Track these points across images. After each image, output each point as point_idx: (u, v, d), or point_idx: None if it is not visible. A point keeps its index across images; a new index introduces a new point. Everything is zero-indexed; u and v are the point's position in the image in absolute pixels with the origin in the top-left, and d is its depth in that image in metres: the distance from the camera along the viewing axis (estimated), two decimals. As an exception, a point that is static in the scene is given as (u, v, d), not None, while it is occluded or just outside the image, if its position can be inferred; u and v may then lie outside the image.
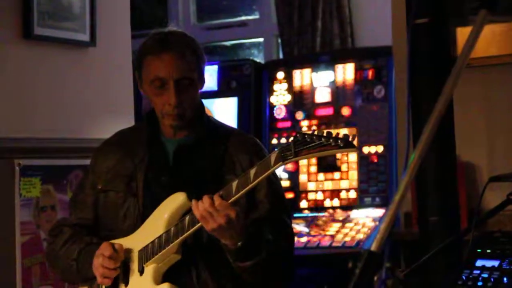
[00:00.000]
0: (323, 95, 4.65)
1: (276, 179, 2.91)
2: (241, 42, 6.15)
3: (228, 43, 6.21)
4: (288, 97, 4.74)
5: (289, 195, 4.49)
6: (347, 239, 4.11)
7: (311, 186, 4.56)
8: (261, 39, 5.98)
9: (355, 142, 2.41)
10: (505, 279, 2.59)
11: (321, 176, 4.55)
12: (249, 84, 4.88)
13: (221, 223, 2.55)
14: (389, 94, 4.43)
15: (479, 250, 2.71)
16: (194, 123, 2.86)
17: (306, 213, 4.51)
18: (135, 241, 2.80)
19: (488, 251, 2.72)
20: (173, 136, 2.87)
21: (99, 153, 3.00)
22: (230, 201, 2.57)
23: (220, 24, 6.13)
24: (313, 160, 4.54)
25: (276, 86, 4.78)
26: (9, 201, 3.91)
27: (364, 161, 4.45)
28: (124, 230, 2.85)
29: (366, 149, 4.44)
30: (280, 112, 4.75)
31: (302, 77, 4.73)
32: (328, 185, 4.52)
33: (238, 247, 2.62)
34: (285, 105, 4.74)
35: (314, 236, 4.24)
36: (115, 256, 2.76)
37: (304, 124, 4.67)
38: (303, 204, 4.56)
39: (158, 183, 2.84)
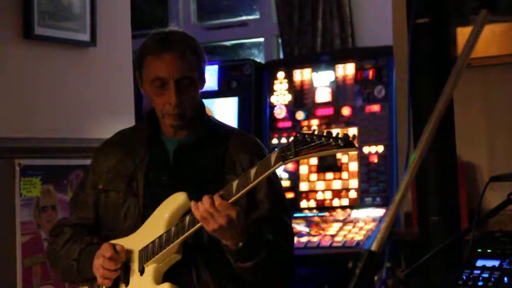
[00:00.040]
0: (323, 95, 4.65)
1: (276, 179, 2.90)
2: (241, 42, 6.15)
3: (228, 43, 6.21)
4: (288, 97, 4.74)
5: (289, 195, 4.49)
6: (348, 239, 4.11)
7: (311, 186, 4.56)
8: (261, 39, 5.98)
9: (355, 142, 2.41)
10: (505, 279, 2.59)
11: (321, 176, 4.54)
12: (249, 84, 4.88)
13: (222, 223, 2.55)
14: (390, 94, 4.43)
15: (479, 250, 2.71)
16: (195, 123, 2.86)
17: (306, 213, 4.51)
18: (136, 241, 2.80)
19: (489, 251, 2.72)
20: (173, 135, 2.87)
21: (99, 153, 3.00)
22: (230, 201, 2.57)
23: (220, 24, 6.13)
24: (314, 160, 4.54)
25: (276, 86, 4.78)
26: (10, 201, 3.91)
27: (364, 161, 4.45)
28: (125, 230, 2.85)
29: (366, 149, 4.44)
30: (280, 112, 4.75)
31: (303, 77, 4.73)
32: (329, 185, 4.52)
33: (239, 248, 2.62)
34: (286, 105, 4.74)
35: (314, 236, 4.24)
36: (115, 257, 2.76)
37: (305, 124, 4.67)
38: (303, 204, 4.56)
39: (158, 183, 2.84)
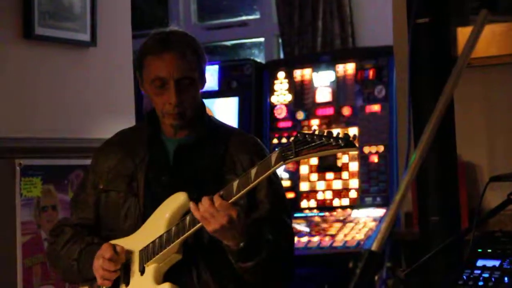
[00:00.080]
0: (323, 95, 4.65)
1: (276, 179, 2.90)
2: (241, 42, 6.15)
3: (228, 43, 6.21)
4: (288, 97, 4.74)
5: (290, 195, 4.49)
6: (348, 239, 4.11)
7: (312, 186, 4.56)
8: (261, 39, 5.98)
9: (356, 142, 2.41)
10: (506, 279, 2.59)
11: (321, 176, 4.54)
12: (249, 84, 4.87)
13: (222, 223, 2.55)
14: (390, 94, 4.43)
15: (480, 250, 2.71)
16: (195, 123, 2.86)
17: (307, 213, 4.51)
18: (136, 241, 2.80)
19: (489, 251, 2.72)
20: (173, 135, 2.87)
21: (100, 153, 3.01)
22: (231, 201, 2.57)
23: (220, 24, 6.13)
24: (314, 160, 4.54)
25: (276, 86, 4.78)
26: (10, 201, 3.91)
27: (364, 161, 4.45)
28: (125, 230, 2.85)
29: (366, 149, 4.44)
30: (280, 112, 4.75)
31: (303, 77, 4.73)
32: (329, 185, 4.51)
33: (240, 248, 2.62)
34: (286, 105, 4.74)
35: (314, 236, 4.24)
36: (115, 258, 2.76)
37: (305, 124, 4.67)
38: (304, 204, 4.56)
39: (158, 183, 2.84)
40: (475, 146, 3.97)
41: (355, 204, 4.43)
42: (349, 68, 4.59)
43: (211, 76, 4.82)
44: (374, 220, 4.26)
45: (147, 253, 2.76)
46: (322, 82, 4.66)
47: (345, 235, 4.15)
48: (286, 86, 4.76)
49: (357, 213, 4.37)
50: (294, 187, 4.59)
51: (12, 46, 4.02)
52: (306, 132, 2.46)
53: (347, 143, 2.38)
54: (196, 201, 2.62)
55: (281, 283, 2.87)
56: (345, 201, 4.46)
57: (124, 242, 2.82)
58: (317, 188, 4.55)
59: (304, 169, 4.59)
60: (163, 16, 6.27)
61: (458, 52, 3.46)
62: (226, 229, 2.57)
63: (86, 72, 4.34)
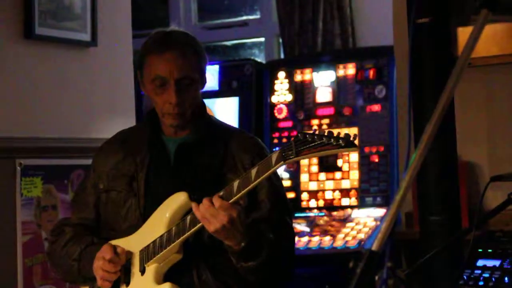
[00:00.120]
0: (324, 95, 4.65)
1: (277, 179, 2.90)
2: (242, 42, 6.15)
3: (229, 43, 6.21)
4: (289, 97, 4.74)
5: (290, 195, 4.48)
6: (348, 238, 4.11)
7: (312, 185, 4.56)
8: (262, 39, 5.97)
9: (356, 142, 2.41)
10: (506, 278, 2.59)
11: (322, 175, 4.54)
12: (250, 84, 4.87)
13: (223, 223, 2.55)
14: (390, 94, 4.43)
15: (480, 250, 2.72)
16: (195, 123, 2.86)
17: (307, 212, 4.51)
18: (136, 241, 2.80)
19: (489, 250, 2.72)
20: (174, 135, 2.87)
21: (100, 153, 3.01)
22: (231, 201, 2.57)
23: (221, 24, 6.12)
24: (314, 160, 4.54)
25: (277, 86, 4.78)
26: (11, 200, 3.92)
27: (365, 160, 4.44)
28: (125, 230, 2.85)
29: (367, 149, 4.44)
30: (281, 112, 4.74)
31: (303, 76, 4.73)
32: (329, 185, 4.51)
33: (242, 247, 2.62)
34: (286, 105, 4.74)
35: (315, 235, 4.24)
36: (115, 260, 2.76)
37: (305, 124, 4.66)
38: (304, 203, 4.56)
39: (159, 183, 2.84)
40: (476, 146, 3.97)
41: (356, 204, 4.43)
42: (350, 68, 4.59)
43: (212, 76, 4.82)
44: (375, 220, 4.26)
45: (148, 253, 2.76)
46: (322, 82, 4.66)
47: (346, 235, 4.15)
48: (287, 86, 4.76)
49: (357, 213, 4.36)
50: (295, 187, 4.59)
51: (12, 45, 4.02)
52: (306, 132, 2.46)
53: (347, 143, 2.38)
54: (196, 201, 2.62)
55: (280, 282, 2.86)
56: (346, 201, 4.46)
57: (125, 242, 2.82)
58: (318, 188, 4.55)
59: (304, 169, 4.59)
60: (163, 16, 6.27)
61: (458, 52, 3.46)
62: (227, 229, 2.57)
63: (86, 72, 4.34)
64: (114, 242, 2.83)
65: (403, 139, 4.18)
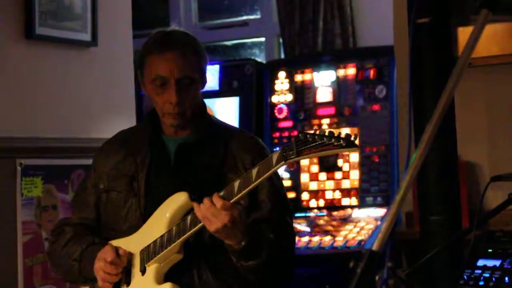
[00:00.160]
0: (324, 95, 4.65)
1: (278, 179, 2.90)
2: (242, 41, 6.15)
3: (229, 43, 6.21)
4: (289, 97, 4.74)
5: (291, 195, 4.49)
6: (349, 238, 4.11)
7: (313, 185, 4.56)
8: (262, 39, 5.97)
9: (357, 142, 2.41)
10: (506, 278, 2.59)
11: (322, 175, 4.54)
12: (250, 83, 4.87)
13: (224, 223, 2.55)
14: (391, 94, 4.43)
15: (480, 250, 2.72)
16: (196, 122, 2.86)
17: (308, 212, 4.51)
18: (137, 241, 2.80)
19: (490, 250, 2.72)
20: (174, 135, 2.87)
21: (101, 153, 3.01)
22: (232, 200, 2.57)
23: (221, 24, 6.13)
24: (315, 160, 4.54)
25: (277, 86, 4.78)
26: (11, 200, 3.92)
27: (365, 160, 4.44)
28: (126, 230, 2.85)
29: (367, 149, 4.44)
30: (281, 112, 4.74)
31: (304, 76, 4.73)
32: (330, 185, 4.51)
33: (242, 247, 2.62)
34: (287, 105, 4.74)
35: (315, 235, 4.24)
36: (117, 262, 2.76)
37: (306, 123, 4.66)
38: (305, 203, 4.56)
39: (159, 183, 2.85)
40: (476, 146, 3.97)
41: (356, 204, 4.43)
42: (350, 68, 4.59)
43: (212, 76, 4.82)
44: (375, 219, 4.26)
45: (148, 253, 2.76)
46: (322, 82, 4.66)
47: (346, 235, 4.15)
48: (287, 86, 4.76)
49: (358, 213, 4.36)
50: (295, 186, 4.59)
51: (12, 46, 4.02)
52: (307, 132, 2.46)
53: (348, 143, 2.39)
54: (196, 201, 2.62)
55: (279, 282, 2.87)
56: (346, 201, 4.46)
57: (125, 242, 2.82)
58: (318, 188, 4.55)
59: (305, 169, 4.59)
60: (163, 16, 6.27)
61: (458, 52, 3.46)
62: (228, 229, 2.57)
63: (87, 72, 4.34)
64: (114, 242, 2.83)
65: (404, 139, 4.18)
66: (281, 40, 5.61)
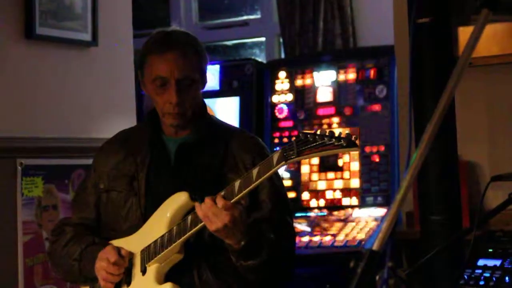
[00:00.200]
0: (325, 95, 4.65)
1: (278, 179, 2.90)
2: (242, 41, 6.15)
3: (229, 43, 6.21)
4: (289, 97, 4.74)
5: (291, 194, 4.49)
6: (349, 238, 4.11)
7: (313, 185, 4.56)
8: (262, 39, 5.97)
9: (357, 142, 2.41)
10: (507, 278, 2.59)
11: (323, 175, 4.54)
12: (251, 83, 4.87)
13: (225, 223, 2.55)
14: (391, 94, 4.43)
15: (481, 250, 2.72)
16: (196, 122, 2.86)
17: (308, 212, 4.51)
18: (137, 241, 2.80)
19: (490, 250, 2.72)
20: (174, 135, 2.87)
21: (101, 153, 3.01)
22: (233, 200, 2.57)
23: (221, 24, 6.13)
24: (315, 160, 4.54)
25: (278, 86, 4.78)
26: (11, 200, 3.92)
27: (366, 160, 4.44)
28: (126, 229, 2.85)
29: (368, 149, 4.44)
30: (281, 112, 4.74)
31: (304, 76, 4.73)
32: (330, 185, 4.51)
33: (241, 246, 2.62)
34: (287, 105, 4.74)
35: (315, 235, 4.24)
36: (120, 262, 2.76)
37: (306, 123, 4.66)
38: (305, 203, 4.56)
39: (160, 183, 2.84)
40: (476, 146, 3.97)
41: (356, 204, 4.43)
42: (350, 67, 4.59)
43: (212, 75, 4.82)
44: (375, 219, 4.26)
45: (149, 253, 2.76)
46: (323, 82, 4.66)
47: (346, 235, 4.15)
48: (287, 85, 4.76)
49: (358, 213, 4.36)
50: (295, 186, 4.59)
51: (13, 45, 4.02)
52: (308, 132, 2.46)
53: (348, 143, 2.39)
54: (197, 201, 2.62)
55: (279, 282, 2.86)
56: (346, 201, 4.46)
57: (125, 242, 2.82)
58: (319, 187, 4.55)
59: (305, 169, 4.59)
60: (164, 15, 6.27)
61: (459, 52, 3.46)
62: (228, 228, 2.57)
63: (87, 71, 4.34)
64: (114, 242, 2.83)
65: (404, 139, 4.18)
66: (281, 40, 5.61)
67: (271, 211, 2.79)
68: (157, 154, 2.88)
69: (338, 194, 4.49)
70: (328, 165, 4.53)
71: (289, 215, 2.89)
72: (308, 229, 4.32)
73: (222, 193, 2.59)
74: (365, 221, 4.26)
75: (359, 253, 1.57)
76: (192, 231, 2.65)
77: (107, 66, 4.43)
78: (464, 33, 3.61)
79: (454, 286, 2.71)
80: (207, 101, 3.04)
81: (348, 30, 5.23)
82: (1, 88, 3.97)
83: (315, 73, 4.69)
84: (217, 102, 4.89)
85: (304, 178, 4.58)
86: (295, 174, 4.60)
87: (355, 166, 4.46)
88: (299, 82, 4.73)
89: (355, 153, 4.40)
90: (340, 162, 4.49)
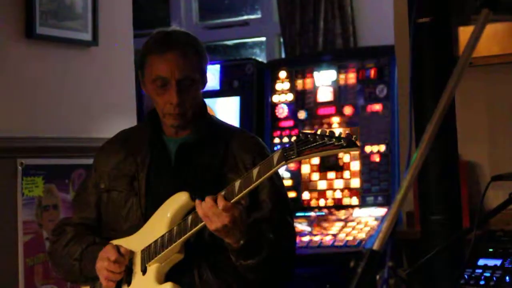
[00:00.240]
0: (325, 95, 4.65)
1: (278, 179, 2.90)
2: (243, 41, 6.15)
3: (230, 43, 6.21)
4: (290, 97, 4.74)
5: (291, 194, 4.49)
6: (349, 238, 4.11)
7: (313, 185, 4.56)
8: (263, 39, 5.97)
9: (357, 142, 2.41)
10: (507, 278, 2.59)
11: (323, 175, 4.54)
12: (251, 83, 4.87)
13: (225, 223, 2.55)
14: (391, 94, 4.43)
15: (481, 249, 2.72)
16: (196, 123, 2.86)
17: (308, 212, 4.51)
18: (138, 241, 2.80)
19: (490, 250, 2.72)
20: (175, 135, 2.87)
21: (101, 153, 3.01)
22: (233, 200, 2.57)
23: (222, 24, 6.12)
24: (316, 159, 4.54)
25: (278, 86, 4.78)
26: (12, 200, 3.92)
27: (366, 160, 4.44)
28: (127, 229, 2.85)
29: (368, 149, 4.44)
30: (282, 112, 4.74)
31: (304, 76, 4.73)
32: (330, 184, 4.51)
33: (241, 245, 2.62)
34: (287, 104, 4.74)
35: (316, 235, 4.24)
36: (121, 260, 2.76)
37: (306, 123, 4.67)
38: (305, 203, 4.56)
39: (160, 183, 2.84)
40: (477, 146, 3.97)
41: (357, 204, 4.43)
42: (351, 67, 4.59)
43: (213, 75, 4.82)
44: (376, 219, 4.26)
45: (149, 253, 2.76)
46: (323, 82, 4.66)
47: (347, 235, 4.15)
48: (288, 85, 4.76)
49: (358, 212, 4.36)
50: (296, 186, 4.59)
51: (13, 45, 4.02)
52: (308, 131, 2.46)
53: (349, 143, 2.38)
54: (199, 201, 2.62)
55: (279, 282, 2.86)
56: (347, 200, 4.46)
57: (126, 242, 2.82)
58: (319, 187, 4.55)
59: (305, 169, 4.59)
60: (164, 15, 6.27)
61: (459, 52, 3.46)
62: (228, 228, 2.57)
63: (87, 71, 4.34)
64: (115, 242, 2.83)
65: (404, 139, 4.18)
66: (281, 40, 5.61)
67: (271, 211, 2.79)
68: (158, 154, 2.88)
69: (338, 194, 4.49)
70: (329, 165, 4.53)
71: (290, 215, 2.89)
72: (309, 228, 4.32)
73: (223, 193, 2.59)
74: (365, 221, 4.26)
75: (359, 253, 1.57)
76: (192, 231, 2.65)
77: (107, 66, 4.43)
78: (464, 33, 3.61)
79: (455, 286, 2.71)
80: (207, 101, 3.04)
81: (348, 30, 5.23)
82: (1, 88, 3.97)
83: (315, 73, 4.69)
84: (218, 102, 4.89)
85: (305, 178, 4.58)
86: (296, 174, 4.60)
87: (356, 166, 4.46)
88: (299, 82, 4.73)
89: (356, 153, 4.40)
90: (340, 162, 4.49)
